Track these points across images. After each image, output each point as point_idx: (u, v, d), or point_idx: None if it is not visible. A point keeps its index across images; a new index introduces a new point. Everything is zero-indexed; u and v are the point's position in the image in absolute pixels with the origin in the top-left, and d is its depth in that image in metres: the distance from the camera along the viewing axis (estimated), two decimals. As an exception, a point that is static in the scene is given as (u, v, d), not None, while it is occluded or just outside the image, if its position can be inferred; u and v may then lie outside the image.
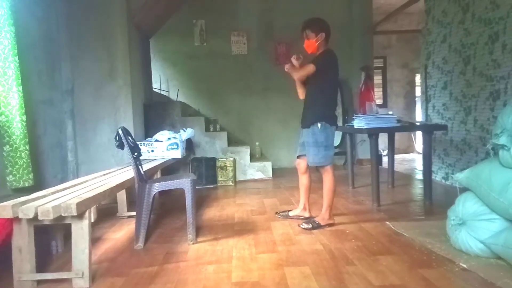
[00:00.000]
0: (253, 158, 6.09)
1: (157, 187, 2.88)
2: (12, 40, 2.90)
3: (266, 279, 2.19)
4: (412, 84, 8.92)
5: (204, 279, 2.23)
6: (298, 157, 3.40)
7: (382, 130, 3.98)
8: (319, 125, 3.11)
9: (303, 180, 3.43)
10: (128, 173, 3.28)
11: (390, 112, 5.00)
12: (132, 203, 3.67)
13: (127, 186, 3.09)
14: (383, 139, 6.06)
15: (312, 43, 3.15)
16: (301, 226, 3.17)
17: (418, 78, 8.42)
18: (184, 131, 4.99)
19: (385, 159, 5.91)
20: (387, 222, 3.19)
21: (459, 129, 4.52)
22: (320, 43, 3.15)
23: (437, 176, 5.00)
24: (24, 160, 2.96)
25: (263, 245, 2.80)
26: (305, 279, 2.17)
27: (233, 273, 2.30)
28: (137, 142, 3.09)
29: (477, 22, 4.14)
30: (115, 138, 2.83)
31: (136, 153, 2.89)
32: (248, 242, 2.86)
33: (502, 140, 2.32)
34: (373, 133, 3.80)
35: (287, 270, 2.30)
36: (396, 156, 5.65)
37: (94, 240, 2.95)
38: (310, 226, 3.12)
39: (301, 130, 3.32)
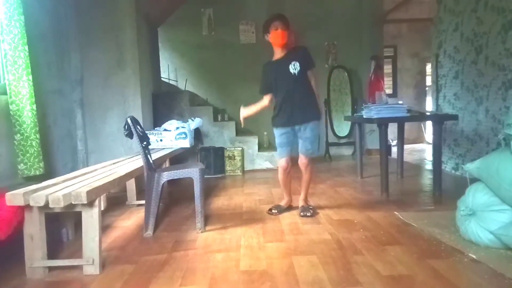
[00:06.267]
0: (261, 147, 6.08)
1: (166, 176, 2.91)
2: (21, 29, 2.90)
3: (274, 268, 2.20)
4: (423, 74, 8.79)
5: (213, 267, 2.25)
6: (282, 156, 3.32)
7: (392, 120, 3.94)
8: (319, 119, 3.32)
9: (289, 176, 3.41)
10: (137, 162, 3.30)
11: (400, 102, 4.94)
12: (141, 192, 3.71)
13: (136, 175, 3.11)
14: (392, 129, 5.99)
15: (287, 35, 3.19)
16: (303, 216, 3.20)
17: (428, 68, 8.30)
18: (193, 120, 4.99)
19: (394, 149, 5.87)
20: (396, 212, 3.18)
21: (470, 119, 4.46)
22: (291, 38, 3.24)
23: (447, 167, 4.95)
24: (35, 149, 2.99)
25: (271, 234, 2.81)
26: (313, 268, 2.18)
27: (241, 261, 2.32)
28: (146, 132, 3.10)
29: (490, 10, 4.05)
30: (124, 127, 2.85)
31: (145, 142, 2.91)
32: (256, 231, 2.88)
33: (514, 130, 2.29)
34: (382, 123, 3.77)
35: (295, 259, 2.31)
36: (406, 146, 5.60)
37: (104, 228, 2.99)
38: (312, 212, 3.23)
39: (286, 128, 3.25)
